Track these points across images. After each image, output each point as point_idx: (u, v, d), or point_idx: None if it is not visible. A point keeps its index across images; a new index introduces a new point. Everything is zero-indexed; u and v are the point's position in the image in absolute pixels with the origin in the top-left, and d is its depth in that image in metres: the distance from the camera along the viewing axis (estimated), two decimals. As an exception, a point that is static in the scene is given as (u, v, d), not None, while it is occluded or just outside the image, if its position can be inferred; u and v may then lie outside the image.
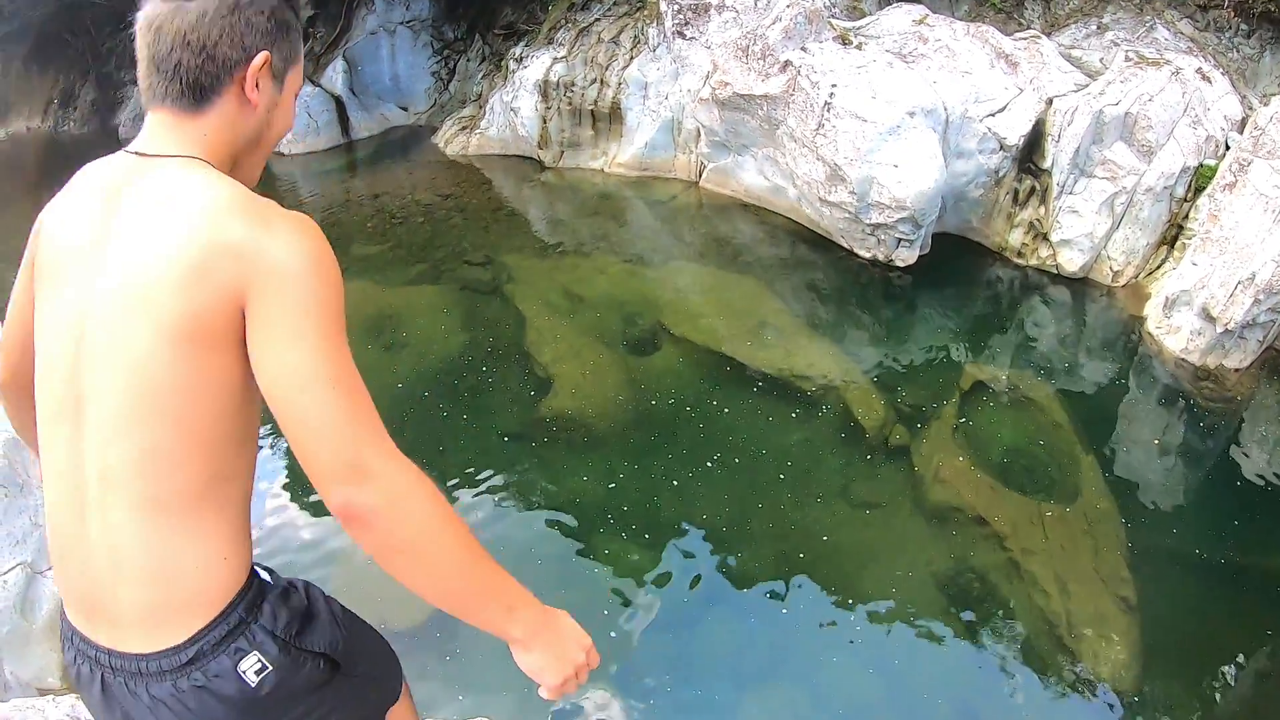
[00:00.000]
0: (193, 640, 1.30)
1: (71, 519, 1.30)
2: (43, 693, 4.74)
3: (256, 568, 1.45)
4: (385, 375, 7.28)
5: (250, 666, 1.31)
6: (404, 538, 1.24)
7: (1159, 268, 7.90)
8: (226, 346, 1.26)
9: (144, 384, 1.22)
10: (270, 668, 1.33)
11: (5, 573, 4.85)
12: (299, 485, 6.21)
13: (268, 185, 11.19)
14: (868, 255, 8.42)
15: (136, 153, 1.36)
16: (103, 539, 1.27)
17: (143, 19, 1.33)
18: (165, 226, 1.23)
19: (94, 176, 1.40)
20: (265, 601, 1.40)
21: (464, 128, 12.10)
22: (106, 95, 14.10)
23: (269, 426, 1.72)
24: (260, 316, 1.24)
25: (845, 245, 8.64)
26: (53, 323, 1.31)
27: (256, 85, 1.36)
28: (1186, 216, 7.75)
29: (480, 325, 7.94)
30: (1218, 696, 5.10)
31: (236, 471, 1.39)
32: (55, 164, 12.26)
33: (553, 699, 1.45)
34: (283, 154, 12.08)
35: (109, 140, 12.54)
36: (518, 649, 1.44)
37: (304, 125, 12.26)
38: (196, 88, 1.31)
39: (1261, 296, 6.58)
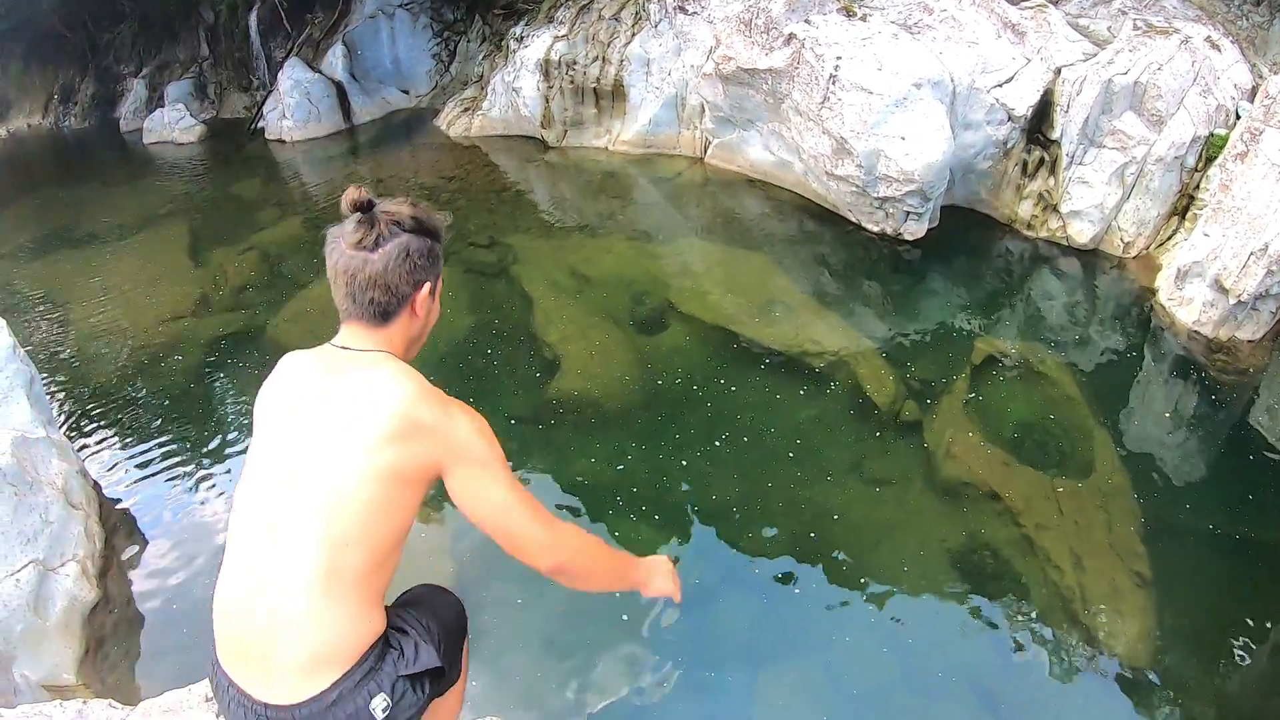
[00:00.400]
0: (334, 686, 1.66)
1: (248, 596, 1.67)
2: (55, 690, 4.77)
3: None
4: None
5: (379, 705, 1.70)
6: (584, 572, 1.94)
7: (1170, 239, 7.81)
8: (415, 488, 1.79)
9: (343, 505, 1.67)
10: (393, 703, 1.72)
11: (18, 571, 4.86)
12: None
13: (272, 175, 11.14)
14: (876, 229, 8.34)
15: (342, 346, 1.91)
16: (277, 612, 1.64)
17: (338, 265, 1.85)
18: (374, 402, 1.73)
19: (304, 359, 1.98)
20: (389, 646, 1.79)
21: (466, 109, 12.02)
22: (106, 89, 14.06)
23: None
24: (462, 476, 1.80)
25: (853, 219, 8.57)
26: (268, 454, 1.79)
27: (422, 304, 1.94)
28: (1198, 187, 7.66)
29: (486, 307, 7.88)
30: (1234, 672, 5.03)
31: (394, 562, 1.84)
32: (60, 159, 12.21)
33: (678, 600, 2.28)
34: (284, 142, 12.01)
35: (111, 134, 12.48)
36: (641, 589, 2.15)
37: (305, 112, 12.21)
38: (384, 313, 1.87)
39: (1275, 267, 6.49)
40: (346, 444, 1.69)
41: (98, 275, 9.06)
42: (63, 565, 5.15)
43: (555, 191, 10.28)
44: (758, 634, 5.24)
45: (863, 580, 5.46)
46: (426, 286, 1.92)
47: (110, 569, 5.53)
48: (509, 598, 5.46)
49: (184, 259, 9.20)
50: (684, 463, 6.02)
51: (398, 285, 1.85)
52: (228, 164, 11.48)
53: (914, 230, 8.14)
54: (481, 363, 7.17)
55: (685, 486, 5.98)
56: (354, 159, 11.61)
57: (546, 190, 10.35)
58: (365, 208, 1.84)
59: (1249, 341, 6.94)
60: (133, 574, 5.65)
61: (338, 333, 1.96)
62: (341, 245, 1.84)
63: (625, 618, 5.34)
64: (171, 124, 12.90)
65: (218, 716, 2.06)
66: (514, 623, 5.35)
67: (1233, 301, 6.74)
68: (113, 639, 5.19)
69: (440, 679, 1.90)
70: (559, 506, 5.94)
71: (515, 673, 5.14)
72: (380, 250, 1.81)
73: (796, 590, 5.41)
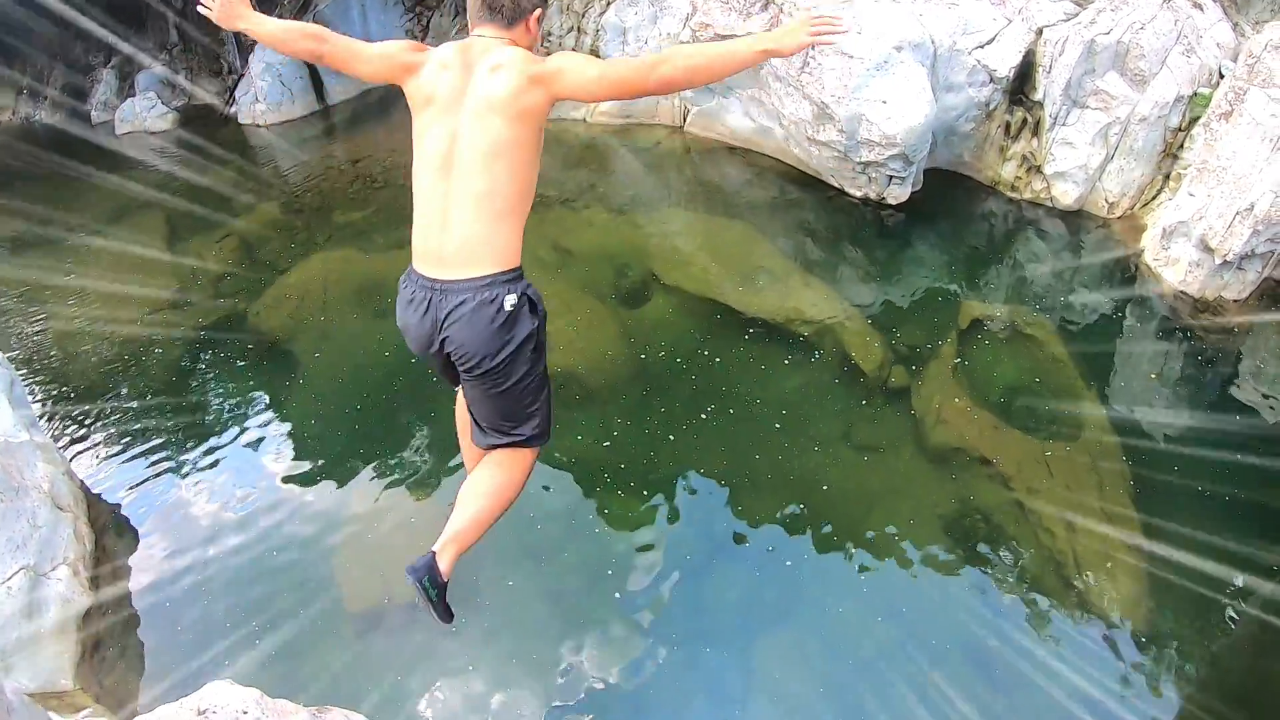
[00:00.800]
0: (485, 276, 2.50)
1: (436, 217, 2.51)
2: (52, 697, 4.72)
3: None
4: (373, 343, 7.18)
5: (510, 299, 2.53)
6: (704, 64, 2.39)
7: (1155, 199, 7.77)
8: (537, 122, 2.48)
9: (495, 146, 2.41)
10: (518, 305, 2.55)
11: (9, 578, 4.80)
12: (315, 470, 6.23)
13: (247, 160, 10.99)
14: (859, 194, 8.28)
15: (480, 35, 2.57)
16: (456, 226, 2.47)
17: None
18: (503, 71, 2.44)
19: (460, 46, 2.56)
20: (526, 280, 2.67)
21: (442, 84, 11.85)
22: (76, 81, 13.79)
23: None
24: (566, 80, 2.42)
25: (836, 185, 8.50)
26: (437, 125, 2.51)
27: (534, 22, 2.61)
28: (1182, 146, 7.61)
29: None
30: (1226, 633, 5.05)
31: (531, 197, 2.64)
32: (31, 154, 12.02)
33: (828, 39, 2.46)
34: (259, 126, 11.83)
35: (83, 126, 12.29)
36: (778, 54, 2.41)
37: (278, 94, 12.00)
38: (510, 20, 2.55)
39: (1260, 227, 6.46)
40: (492, 105, 2.44)
41: (74, 272, 8.88)
42: (54, 569, 5.08)
43: (534, 165, 10.08)
44: (752, 608, 5.20)
45: (855, 549, 5.44)
46: (538, 11, 2.61)
47: (102, 570, 5.47)
48: (501, 577, 5.42)
49: (161, 250, 9.05)
50: (671, 437, 5.98)
51: (522, 2, 2.56)
52: (202, 151, 11.29)
53: (897, 194, 8.08)
54: None
55: (673, 461, 5.93)
56: (329, 140, 11.44)
57: (526, 164, 10.14)
58: None
59: (1235, 301, 6.93)
60: (125, 573, 5.59)
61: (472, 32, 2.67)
62: None
63: (617, 595, 5.31)
64: (143, 113, 12.68)
65: (400, 298, 2.79)
66: (507, 602, 5.31)
67: (1219, 261, 6.72)
68: (109, 640, 5.16)
69: (527, 380, 2.73)
70: (547, 484, 5.89)
71: (511, 651, 5.10)
72: None
73: (788, 562, 5.39)
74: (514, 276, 2.57)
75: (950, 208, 8.22)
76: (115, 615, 5.30)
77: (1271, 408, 6.19)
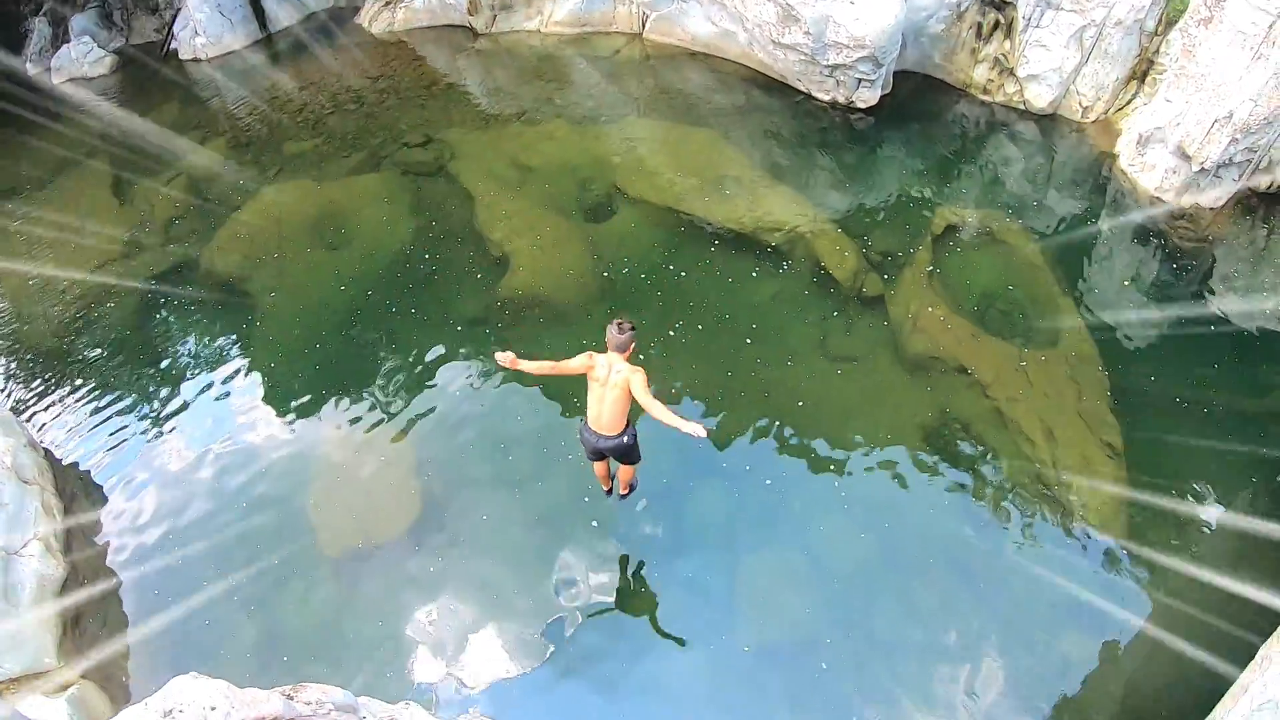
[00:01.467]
0: (621, 431, 4.73)
1: (596, 408, 4.69)
2: (37, 679, 4.65)
3: None
4: (329, 276, 6.90)
5: (628, 435, 4.76)
6: (660, 414, 4.34)
7: (1129, 104, 7.57)
8: (628, 389, 4.56)
9: (619, 393, 4.59)
10: (632, 438, 4.80)
11: (-21, 563, 4.58)
12: (280, 415, 6.08)
13: (190, 98, 10.41)
14: (827, 98, 8.00)
15: (611, 354, 4.61)
16: (605, 411, 4.66)
17: (611, 338, 4.63)
18: (620, 370, 4.57)
19: (605, 359, 4.61)
20: (632, 427, 4.85)
21: (387, 3, 11.24)
22: (8, 35, 12.93)
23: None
24: (634, 385, 4.47)
25: (802, 89, 8.20)
26: (597, 384, 4.64)
27: (631, 349, 4.70)
28: (1157, 51, 7.38)
29: (426, 210, 7.45)
30: (1202, 540, 5.04)
31: (628, 409, 4.74)
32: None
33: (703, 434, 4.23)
34: (201, 60, 11.19)
35: (18, 80, 11.57)
36: (679, 428, 4.26)
37: (218, 26, 11.31)
38: (622, 349, 4.61)
39: (1239, 135, 6.29)
40: (617, 384, 4.56)
41: (21, 230, 8.38)
42: (25, 546, 4.97)
43: (488, 80, 9.69)
44: (735, 528, 5.14)
45: (834, 463, 5.36)
46: (632, 346, 4.55)
47: (74, 540, 5.38)
48: (474, 509, 5.32)
49: (108, 198, 8.56)
50: (640, 357, 5.76)
51: (628, 345, 4.52)
52: (143, 92, 10.65)
53: (866, 98, 7.81)
54: (424, 269, 6.79)
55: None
56: (274, 69, 10.80)
57: (479, 80, 9.75)
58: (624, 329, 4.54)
59: (1211, 209, 6.79)
60: (97, 539, 5.48)
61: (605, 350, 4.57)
62: (613, 331, 4.50)
63: (594, 524, 5.24)
64: (80, 59, 11.91)
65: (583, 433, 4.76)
66: (483, 534, 5.23)
67: (1195, 168, 6.56)
68: (88, 611, 5.12)
69: (634, 452, 4.93)
70: (519, 411, 5.78)
71: (490, 581, 5.07)
72: (625, 335, 4.50)
73: (768, 480, 5.28)
74: (629, 429, 4.76)
75: (921, 111, 7.96)
76: (93, 585, 5.22)
77: (1245, 317, 6.09)
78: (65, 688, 4.56)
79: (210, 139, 9.08)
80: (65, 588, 5.04)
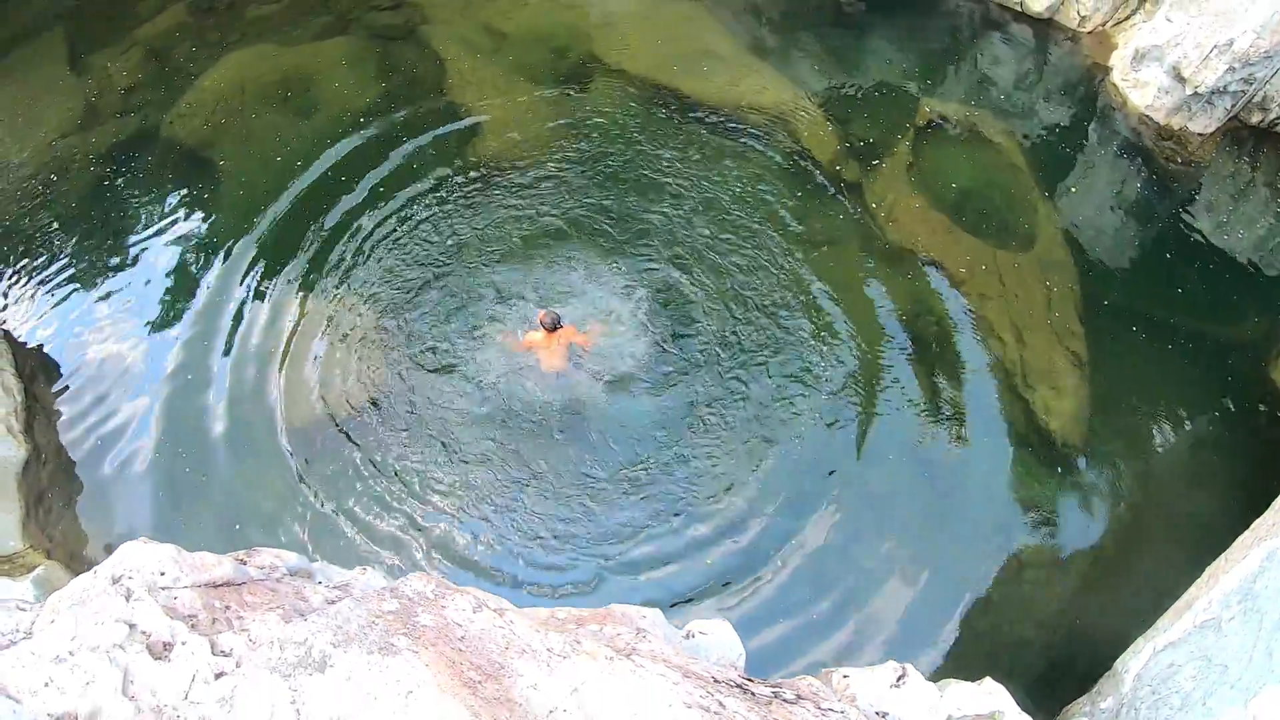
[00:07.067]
0: None
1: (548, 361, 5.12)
2: (4, 560, 4.50)
3: None
4: (294, 141, 6.46)
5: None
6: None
7: (1128, 19, 7.30)
8: None
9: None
10: None
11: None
12: (246, 286, 5.94)
13: None
14: (819, -23, 7.59)
15: None
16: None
17: None
18: None
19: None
20: None
21: None
22: None
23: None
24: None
25: (793, -34, 7.77)
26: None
27: None
28: (1162, -35, 7.10)
29: (395, 75, 6.96)
30: (1159, 455, 4.99)
31: None
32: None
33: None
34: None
35: None
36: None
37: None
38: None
39: (1237, 65, 6.11)
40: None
41: None
42: None
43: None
44: (703, 419, 4.92)
45: (806, 351, 5.18)
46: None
47: (35, 419, 5.14)
48: (437, 379, 5.10)
49: (63, 71, 7.80)
50: (614, 233, 5.52)
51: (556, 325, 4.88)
52: None
53: (858, -17, 7.43)
54: (393, 135, 6.43)
55: (616, 265, 5.50)
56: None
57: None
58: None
59: (1199, 134, 6.62)
60: (58, 419, 5.22)
61: None
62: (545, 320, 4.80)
63: (559, 435, 5.01)
64: None
65: None
66: (442, 400, 5.08)
67: (1189, 92, 6.37)
68: (51, 490, 4.96)
69: None
70: (492, 274, 5.47)
71: (453, 449, 4.90)
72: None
73: (738, 371, 5.07)
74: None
75: (912, 1, 7.59)
76: (53, 463, 5.02)
77: (1223, 243, 5.99)
78: (30, 569, 4.39)
79: (169, 4, 8.34)
80: (27, 467, 4.86)
